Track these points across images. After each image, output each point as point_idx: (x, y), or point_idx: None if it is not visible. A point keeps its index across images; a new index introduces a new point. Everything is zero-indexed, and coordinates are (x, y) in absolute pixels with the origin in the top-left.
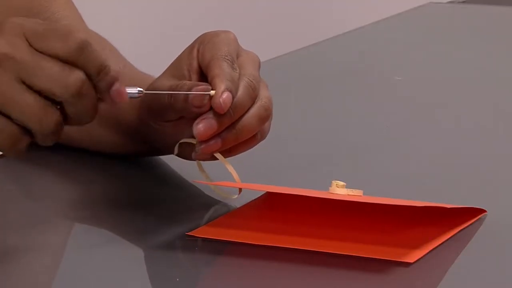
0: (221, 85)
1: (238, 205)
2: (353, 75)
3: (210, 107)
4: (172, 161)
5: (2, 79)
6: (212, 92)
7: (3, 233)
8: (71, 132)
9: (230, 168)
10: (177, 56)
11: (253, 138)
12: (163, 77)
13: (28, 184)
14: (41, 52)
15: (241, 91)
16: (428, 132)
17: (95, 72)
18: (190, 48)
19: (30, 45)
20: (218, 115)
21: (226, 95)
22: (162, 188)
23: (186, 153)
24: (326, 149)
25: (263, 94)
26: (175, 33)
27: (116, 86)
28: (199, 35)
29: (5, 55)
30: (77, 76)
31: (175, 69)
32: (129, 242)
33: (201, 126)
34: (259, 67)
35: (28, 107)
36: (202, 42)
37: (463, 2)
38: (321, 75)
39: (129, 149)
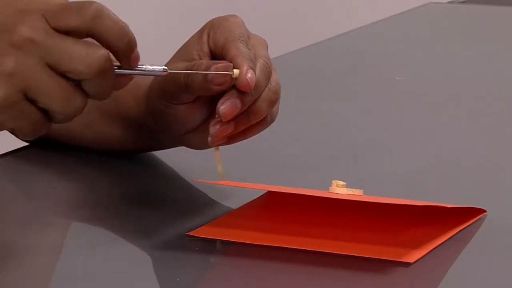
0: (245, 64)
1: (238, 205)
2: (353, 75)
3: (231, 86)
4: (172, 160)
5: (27, 63)
6: (236, 71)
7: (3, 233)
8: (74, 129)
9: (219, 165)
10: (175, 50)
11: (264, 121)
12: (174, 61)
13: (28, 183)
14: (60, 31)
15: (258, 72)
16: (428, 132)
17: (115, 39)
18: (200, 33)
19: (50, 26)
20: (241, 95)
21: (251, 73)
22: (162, 188)
23: (194, 142)
24: (326, 149)
25: (272, 77)
26: (171, 32)
27: (135, 52)
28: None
29: (28, 39)
30: (100, 54)
31: (185, 54)
32: (129, 242)
33: (225, 107)
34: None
35: (56, 91)
36: (212, 27)
37: (463, 2)
38: (321, 75)
39: (133, 144)
